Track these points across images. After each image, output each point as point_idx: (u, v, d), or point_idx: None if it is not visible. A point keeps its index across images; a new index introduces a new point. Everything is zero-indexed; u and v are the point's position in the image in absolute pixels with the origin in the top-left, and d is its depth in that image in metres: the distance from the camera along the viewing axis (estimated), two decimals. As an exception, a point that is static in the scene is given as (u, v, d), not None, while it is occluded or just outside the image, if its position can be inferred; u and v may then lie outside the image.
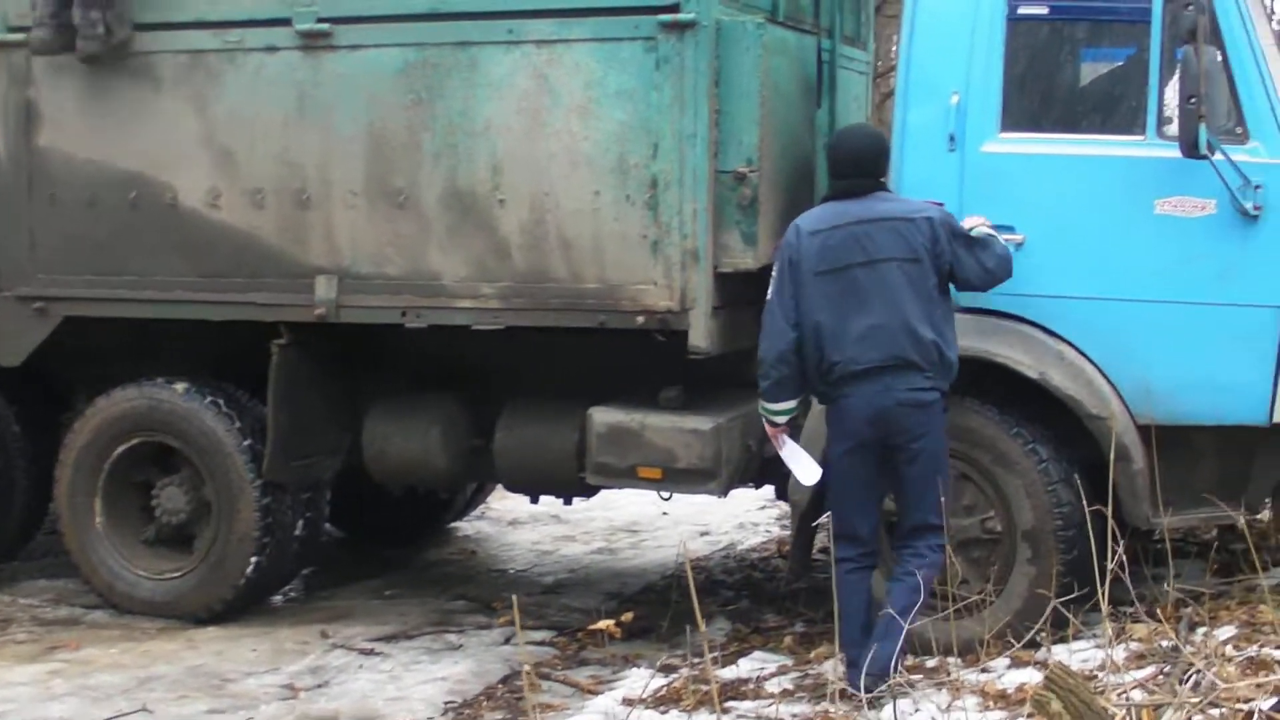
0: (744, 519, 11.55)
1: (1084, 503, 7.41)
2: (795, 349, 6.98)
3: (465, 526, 11.55)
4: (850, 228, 6.97)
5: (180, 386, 8.88)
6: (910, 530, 7.08)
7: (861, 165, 7.14)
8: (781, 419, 7.20)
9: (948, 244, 7.02)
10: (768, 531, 11.33)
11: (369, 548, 10.76)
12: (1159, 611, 7.09)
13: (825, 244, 6.96)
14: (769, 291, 7.08)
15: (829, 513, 7.53)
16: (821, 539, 8.54)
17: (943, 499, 6.92)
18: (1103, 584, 6.35)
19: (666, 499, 9.22)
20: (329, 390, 8.98)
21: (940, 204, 7.28)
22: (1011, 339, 7.51)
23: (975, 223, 7.24)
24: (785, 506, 10.76)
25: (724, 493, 8.28)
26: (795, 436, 7.41)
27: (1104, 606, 6.30)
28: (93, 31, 8.34)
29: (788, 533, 10.87)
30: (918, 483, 7.01)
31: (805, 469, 7.24)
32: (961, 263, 7.06)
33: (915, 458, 6.97)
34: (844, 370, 6.93)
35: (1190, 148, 7.19)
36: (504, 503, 11.69)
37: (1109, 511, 6.71)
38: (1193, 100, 7.12)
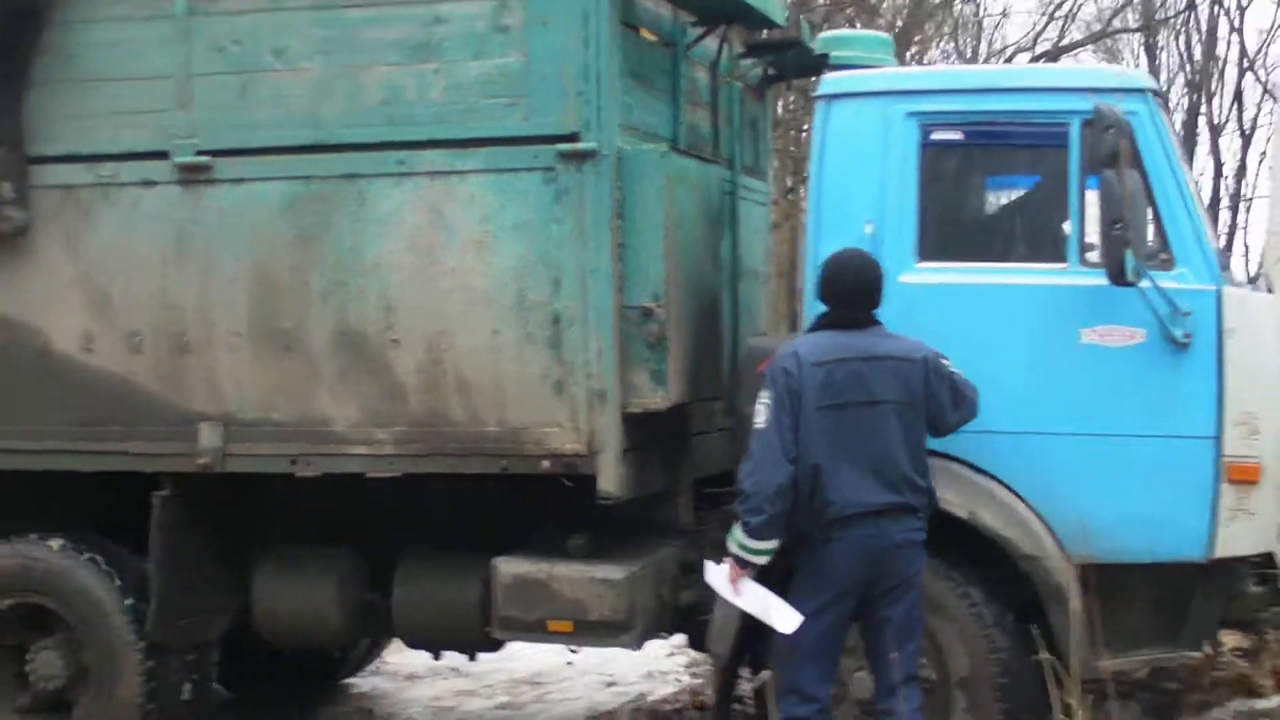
0: (652, 667, 11.10)
1: (1021, 648, 7.24)
2: (793, 484, 6.63)
3: (360, 683, 11.05)
4: (855, 364, 6.71)
5: (55, 543, 8.43)
6: (889, 688, 6.77)
7: (862, 295, 6.88)
8: (762, 559, 6.78)
9: (936, 386, 6.82)
10: (678, 680, 10.91)
11: (258, 709, 10.23)
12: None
13: (830, 378, 6.68)
14: (760, 420, 6.71)
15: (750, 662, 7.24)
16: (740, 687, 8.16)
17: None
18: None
19: (575, 652, 8.81)
20: (216, 544, 8.53)
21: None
22: (939, 477, 7.17)
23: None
24: (694, 654, 10.50)
25: (638, 645, 7.97)
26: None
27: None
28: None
29: (700, 682, 10.60)
30: (902, 630, 6.76)
31: (780, 614, 6.74)
32: (942, 406, 6.86)
33: (899, 600, 6.74)
34: (838, 512, 6.63)
35: (1117, 275, 7.03)
36: (400, 656, 11.20)
37: (1047, 655, 6.47)
38: (1118, 226, 6.96)
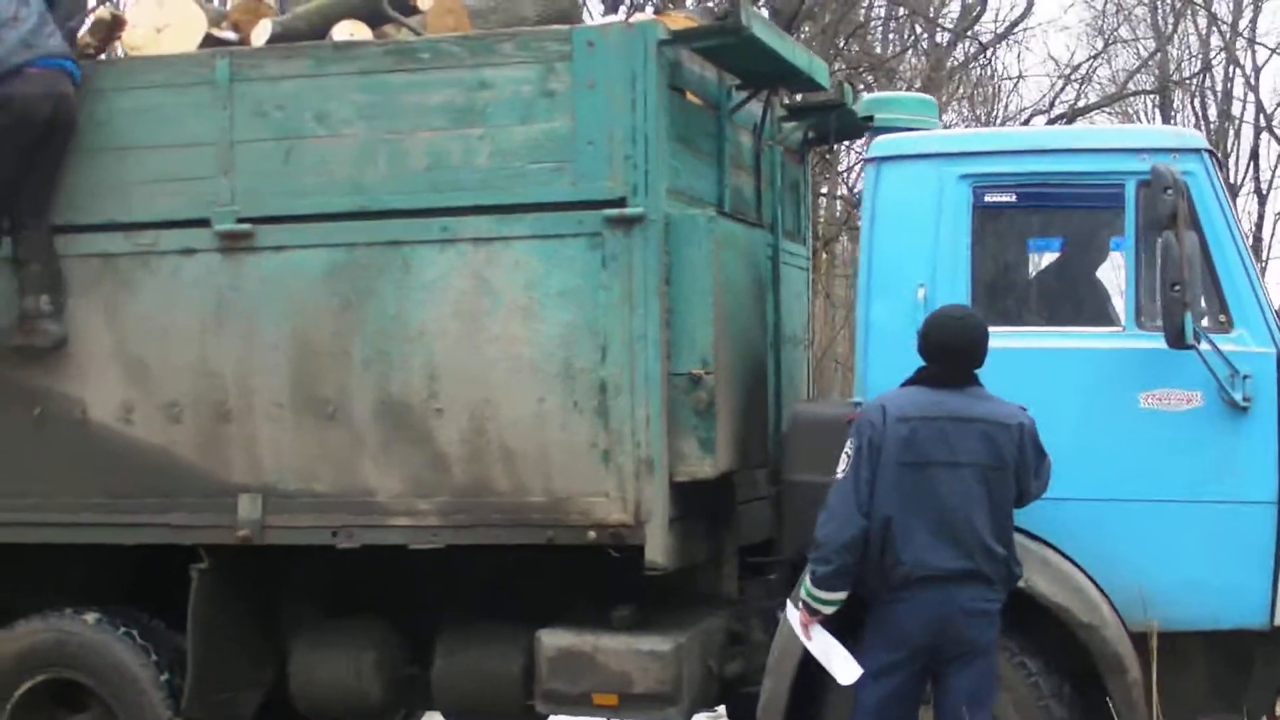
0: (691, 737, 10.95)
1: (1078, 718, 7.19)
2: (864, 538, 6.56)
3: (395, 755, 10.85)
4: (942, 422, 6.63)
5: (91, 617, 8.30)
6: None
7: (962, 354, 6.78)
8: (829, 610, 6.72)
9: (1031, 455, 6.73)
10: (715, 752, 10.75)
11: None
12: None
13: (914, 434, 6.60)
14: (840, 469, 6.67)
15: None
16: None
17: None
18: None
19: (614, 722, 8.69)
20: (253, 617, 8.43)
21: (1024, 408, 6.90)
22: (992, 545, 7.08)
23: None
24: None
25: (686, 718, 7.80)
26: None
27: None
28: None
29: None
30: (972, 699, 6.65)
31: (843, 666, 6.71)
32: (1031, 475, 6.77)
33: (967, 670, 6.63)
34: (909, 573, 6.55)
35: (1176, 337, 6.94)
36: (432, 726, 11.05)
37: None
38: (1176, 288, 6.89)
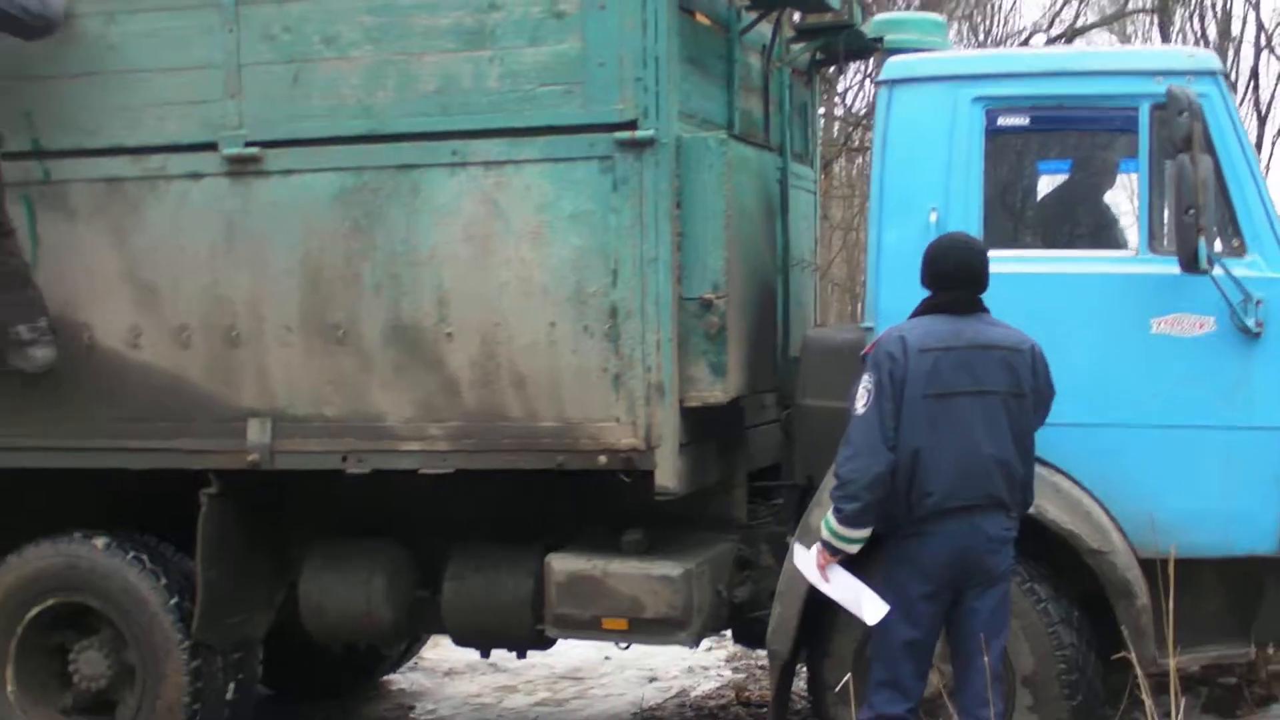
0: (692, 662, 10.99)
1: (1086, 645, 7.23)
2: (891, 473, 6.47)
3: (399, 679, 10.95)
4: (963, 351, 6.54)
5: (100, 542, 8.30)
6: (977, 689, 6.62)
7: (968, 278, 6.70)
8: (854, 548, 6.63)
9: (1044, 379, 6.71)
10: (720, 675, 10.81)
11: (299, 705, 10.14)
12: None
13: (937, 366, 6.50)
14: (860, 405, 6.54)
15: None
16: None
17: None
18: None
19: (624, 648, 8.71)
20: (262, 541, 8.42)
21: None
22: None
23: None
24: (733, 648, 10.42)
25: (695, 643, 7.87)
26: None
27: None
28: None
29: (742, 677, 10.52)
30: (990, 624, 6.60)
31: (870, 604, 6.59)
32: (1042, 400, 6.75)
33: (987, 597, 6.60)
34: (936, 505, 6.48)
35: (1189, 262, 6.91)
36: (437, 651, 11.12)
37: (1134, 657, 6.53)
38: (1190, 212, 6.84)
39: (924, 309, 6.77)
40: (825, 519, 6.68)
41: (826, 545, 6.67)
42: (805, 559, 6.83)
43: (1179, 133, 6.87)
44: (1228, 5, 32.95)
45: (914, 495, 6.49)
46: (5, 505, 8.37)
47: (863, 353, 6.81)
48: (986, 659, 6.54)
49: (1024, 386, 6.60)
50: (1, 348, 7.95)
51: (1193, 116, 6.86)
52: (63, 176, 8.07)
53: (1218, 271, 6.98)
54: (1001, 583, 6.66)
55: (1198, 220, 6.82)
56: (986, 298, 6.84)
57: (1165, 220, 7.18)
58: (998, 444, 6.54)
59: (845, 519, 6.54)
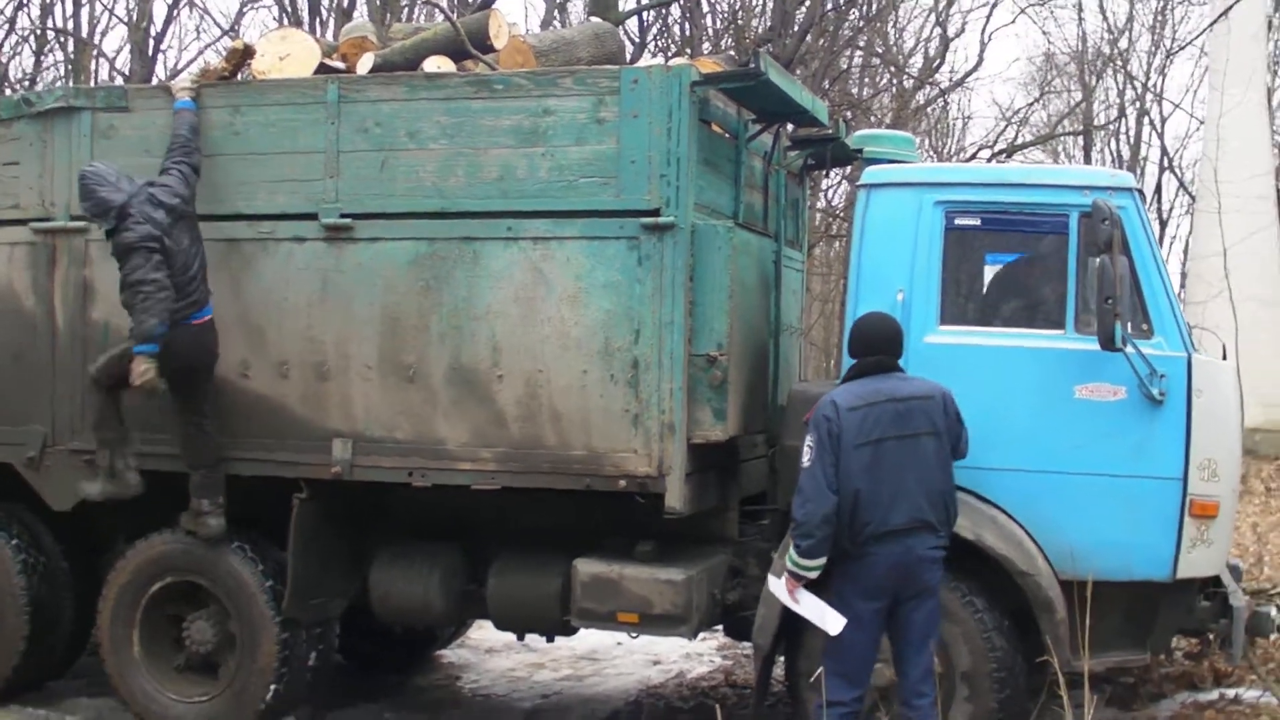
0: (690, 649, 10.85)
1: (1013, 649, 7.18)
2: (835, 511, 6.45)
3: (448, 654, 10.81)
4: (884, 405, 6.53)
5: (210, 533, 8.17)
6: (913, 682, 6.63)
7: (885, 345, 6.73)
8: (813, 574, 6.59)
9: (954, 417, 6.66)
10: (712, 661, 10.67)
11: (367, 674, 10.03)
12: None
13: (864, 420, 6.49)
14: (806, 459, 6.53)
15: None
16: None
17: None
18: None
19: (634, 637, 8.60)
20: (341, 539, 8.32)
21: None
22: (950, 505, 6.97)
23: None
24: (724, 638, 10.28)
25: (693, 636, 7.77)
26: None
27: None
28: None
29: (730, 663, 10.39)
30: (922, 629, 6.62)
31: (832, 619, 6.57)
32: (957, 439, 6.69)
33: (921, 606, 6.59)
34: (874, 531, 6.46)
35: (1108, 341, 6.89)
36: (480, 632, 10.98)
37: (1054, 660, 6.54)
38: (1109, 301, 6.82)
39: (851, 374, 6.79)
40: (788, 553, 6.66)
41: (791, 573, 6.65)
42: (777, 585, 6.80)
43: (1101, 237, 6.85)
44: (1139, 132, 33.05)
45: (855, 525, 6.47)
46: (141, 502, 8.25)
47: (805, 417, 6.77)
48: (925, 657, 6.60)
49: (938, 426, 6.58)
50: (188, 511, 7.96)
51: (1113, 224, 6.85)
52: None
53: (1130, 350, 6.95)
54: (934, 596, 6.64)
55: (1115, 308, 6.80)
56: (944, 362, 6.93)
57: (1089, 306, 7.08)
58: (921, 476, 6.52)
59: (803, 553, 6.55)
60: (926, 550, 6.55)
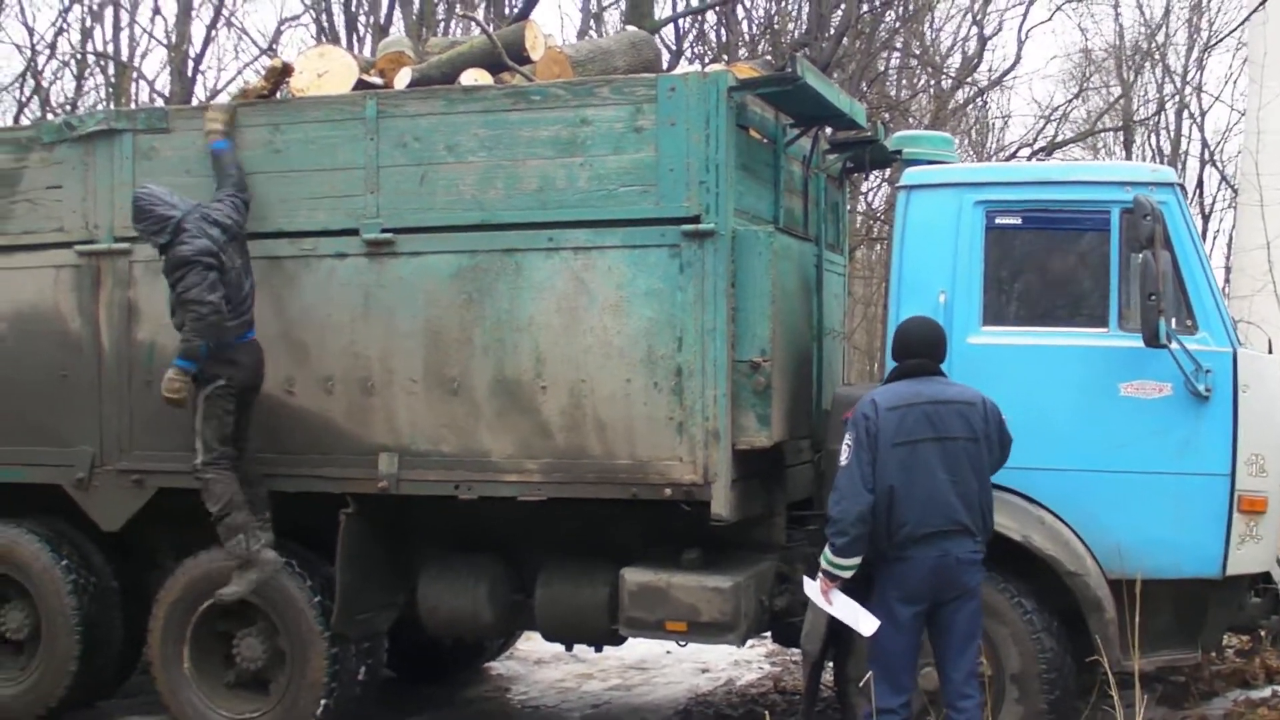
0: (738, 656, 10.88)
1: (1062, 649, 7.18)
2: (871, 511, 6.46)
3: (497, 666, 10.88)
4: (923, 406, 6.53)
5: (259, 549, 8.23)
6: (957, 685, 6.60)
7: (927, 348, 6.73)
8: (847, 574, 6.59)
9: (996, 430, 6.63)
10: (761, 668, 10.70)
11: (416, 687, 10.10)
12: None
13: (902, 420, 6.50)
14: (843, 458, 6.54)
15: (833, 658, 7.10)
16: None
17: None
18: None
19: (683, 646, 8.63)
20: (388, 552, 8.38)
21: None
22: (998, 506, 6.96)
23: None
24: (772, 645, 10.31)
25: (742, 643, 7.77)
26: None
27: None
28: None
29: (779, 669, 10.40)
30: (964, 631, 6.60)
31: (865, 620, 6.58)
32: (994, 444, 6.66)
33: (962, 608, 6.57)
34: (911, 532, 6.45)
35: (1152, 338, 6.89)
36: (529, 644, 11.03)
37: (1104, 660, 6.56)
38: (1153, 297, 6.83)
39: (893, 376, 6.80)
40: (823, 552, 6.66)
41: (826, 573, 6.66)
42: (811, 586, 6.81)
43: (1144, 233, 6.85)
44: (1179, 126, 32.86)
45: (892, 526, 6.47)
46: (189, 519, 8.30)
47: (844, 416, 6.78)
48: (968, 659, 6.60)
49: (977, 433, 6.56)
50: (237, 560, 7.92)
51: (1155, 220, 6.85)
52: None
53: (1174, 346, 6.95)
54: (975, 598, 6.63)
55: (1158, 304, 6.81)
56: (988, 363, 6.98)
57: (1132, 303, 7.08)
58: (958, 480, 6.50)
59: (838, 551, 6.54)
60: (965, 554, 6.53)
